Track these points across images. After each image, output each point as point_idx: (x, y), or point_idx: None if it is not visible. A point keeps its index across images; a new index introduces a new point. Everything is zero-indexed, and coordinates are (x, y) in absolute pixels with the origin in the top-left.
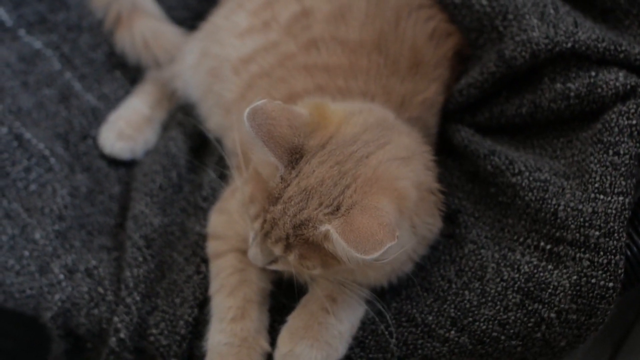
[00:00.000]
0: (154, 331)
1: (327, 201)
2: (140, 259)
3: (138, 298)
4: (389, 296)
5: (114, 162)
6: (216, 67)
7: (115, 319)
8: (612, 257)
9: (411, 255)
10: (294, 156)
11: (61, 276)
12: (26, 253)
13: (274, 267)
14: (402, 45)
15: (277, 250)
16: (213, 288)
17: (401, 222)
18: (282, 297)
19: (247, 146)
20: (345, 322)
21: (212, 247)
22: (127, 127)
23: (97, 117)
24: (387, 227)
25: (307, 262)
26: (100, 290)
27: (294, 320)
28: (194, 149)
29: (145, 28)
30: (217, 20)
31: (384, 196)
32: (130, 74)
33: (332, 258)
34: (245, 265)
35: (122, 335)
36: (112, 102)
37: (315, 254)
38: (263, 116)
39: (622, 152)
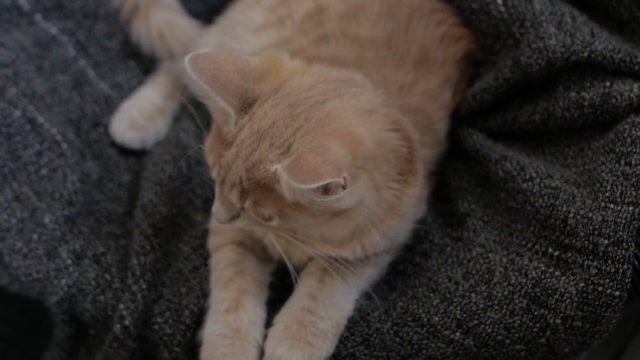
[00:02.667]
0: (159, 320)
1: (278, 142)
2: (148, 247)
3: (144, 286)
4: (395, 295)
5: (125, 151)
6: None
7: (121, 306)
8: (620, 266)
9: (379, 225)
10: (246, 101)
11: (68, 261)
12: (35, 237)
13: (237, 223)
14: (411, 44)
15: (233, 197)
16: (211, 281)
17: (356, 172)
18: (281, 290)
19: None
20: (327, 321)
21: (211, 241)
22: (139, 117)
23: (110, 105)
24: (331, 164)
25: (263, 210)
26: (107, 277)
27: (277, 323)
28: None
29: (161, 20)
30: (233, 14)
31: (335, 138)
32: (144, 64)
33: (287, 205)
34: (242, 258)
35: (126, 322)
36: (125, 91)
37: (269, 200)
38: (206, 61)
39: (633, 162)
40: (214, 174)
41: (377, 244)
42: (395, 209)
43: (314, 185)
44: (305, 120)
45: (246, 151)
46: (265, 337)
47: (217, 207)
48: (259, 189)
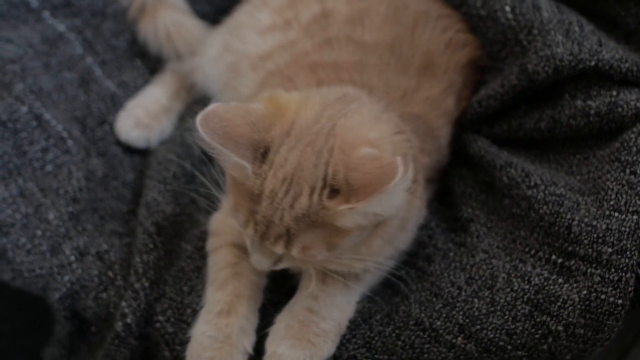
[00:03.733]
0: (161, 318)
1: (319, 183)
2: (151, 245)
3: (147, 284)
4: (397, 299)
5: (129, 150)
6: (236, 62)
7: (123, 303)
8: (623, 274)
9: (394, 234)
10: (258, 151)
11: (72, 258)
12: (38, 232)
13: (280, 266)
14: (416, 50)
15: (278, 248)
16: (207, 281)
17: None
18: (280, 295)
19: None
20: (328, 321)
21: (210, 243)
22: (145, 116)
23: (116, 103)
24: (382, 158)
25: (312, 251)
26: (110, 274)
27: (278, 322)
28: None
29: (168, 19)
30: (240, 15)
31: (360, 148)
32: (150, 63)
33: (337, 235)
34: (238, 260)
35: (128, 320)
36: (131, 90)
37: (319, 239)
38: (216, 119)
39: (638, 171)
40: (248, 231)
41: (383, 253)
42: (405, 223)
43: (399, 177)
44: (329, 154)
45: (286, 200)
46: (254, 343)
47: (258, 259)
48: (309, 233)
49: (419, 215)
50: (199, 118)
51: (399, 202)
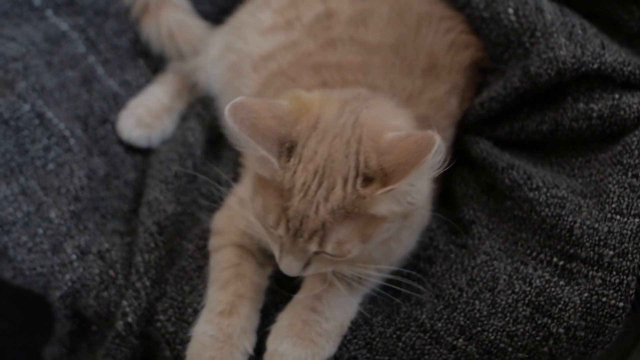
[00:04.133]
0: (162, 317)
1: (352, 173)
2: (152, 244)
3: (148, 283)
4: (399, 300)
5: (131, 149)
6: (237, 63)
7: (124, 302)
8: (625, 277)
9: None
10: (284, 146)
11: (73, 256)
12: (40, 231)
13: (309, 271)
14: (420, 51)
15: (313, 246)
16: (209, 281)
17: None
18: (281, 297)
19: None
20: (331, 321)
21: (212, 242)
22: (146, 115)
23: (118, 102)
24: (415, 134)
25: (347, 246)
26: (111, 273)
27: (280, 320)
28: (211, 141)
29: (171, 19)
30: (243, 15)
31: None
32: (153, 62)
33: (372, 226)
34: (241, 260)
35: (129, 319)
36: (133, 89)
37: (354, 231)
38: (244, 110)
39: None
40: (279, 231)
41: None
42: (418, 224)
43: (436, 146)
44: (357, 143)
45: (320, 193)
46: (255, 344)
47: (289, 262)
48: (344, 226)
49: (423, 219)
50: (228, 108)
51: (427, 189)
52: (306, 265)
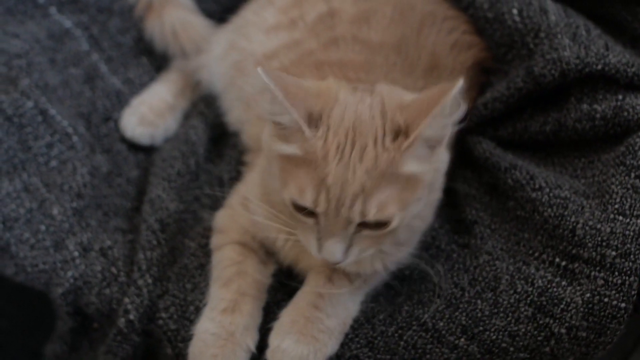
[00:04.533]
0: (163, 315)
1: (380, 132)
2: (155, 242)
3: (150, 281)
4: (401, 299)
5: (134, 147)
6: (241, 61)
7: (126, 300)
8: (627, 278)
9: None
10: (312, 116)
11: (75, 253)
12: (42, 228)
13: (351, 256)
14: (422, 51)
15: (355, 213)
16: (211, 278)
17: None
18: (283, 295)
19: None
20: (333, 318)
21: (214, 240)
22: (150, 113)
23: (121, 100)
24: (436, 86)
25: (387, 210)
26: (114, 270)
27: (283, 317)
28: (214, 140)
29: (175, 18)
30: (247, 14)
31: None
32: (156, 61)
33: (407, 189)
34: (244, 258)
35: (131, 316)
36: (136, 87)
37: (392, 195)
38: (275, 73)
39: None
40: (320, 207)
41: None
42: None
43: (454, 92)
44: (380, 104)
45: (355, 154)
46: (257, 342)
47: (330, 246)
48: (382, 189)
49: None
50: (260, 69)
51: (447, 157)
52: (348, 248)
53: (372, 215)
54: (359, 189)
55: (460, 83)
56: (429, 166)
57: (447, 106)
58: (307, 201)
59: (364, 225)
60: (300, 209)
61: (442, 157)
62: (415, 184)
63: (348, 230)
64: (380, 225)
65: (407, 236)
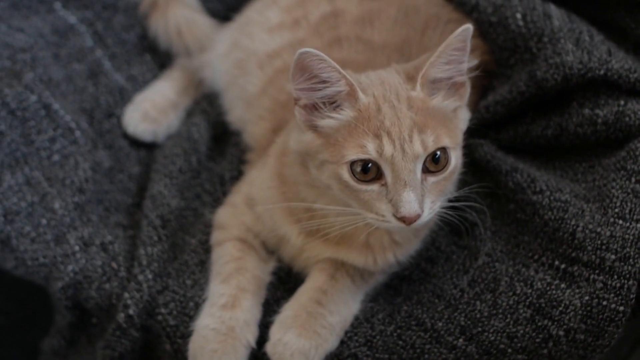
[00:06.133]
0: (163, 310)
1: (402, 81)
2: (155, 238)
3: (150, 276)
4: (400, 299)
5: (136, 143)
6: (243, 60)
7: (126, 295)
8: (626, 281)
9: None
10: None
11: (76, 247)
12: (43, 221)
13: (425, 208)
14: (425, 52)
15: (417, 145)
16: (211, 275)
17: None
18: (283, 292)
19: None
20: (335, 315)
21: (214, 236)
22: (152, 110)
23: (124, 97)
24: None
25: (442, 140)
26: (114, 265)
27: (285, 311)
28: (215, 138)
29: (179, 16)
30: (250, 13)
31: None
32: (159, 58)
33: (448, 121)
34: (243, 254)
35: (130, 311)
36: (139, 84)
37: (439, 124)
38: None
39: None
40: (387, 149)
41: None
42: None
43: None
44: (394, 69)
45: (393, 97)
46: (257, 337)
47: (407, 195)
48: (428, 121)
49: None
50: (303, 50)
51: (467, 115)
52: (422, 200)
53: (431, 144)
54: (411, 123)
55: (467, 26)
56: (456, 103)
57: (451, 45)
58: (371, 151)
59: (427, 172)
60: (363, 176)
61: (463, 115)
62: (453, 120)
63: (417, 175)
64: (441, 169)
65: (450, 189)
